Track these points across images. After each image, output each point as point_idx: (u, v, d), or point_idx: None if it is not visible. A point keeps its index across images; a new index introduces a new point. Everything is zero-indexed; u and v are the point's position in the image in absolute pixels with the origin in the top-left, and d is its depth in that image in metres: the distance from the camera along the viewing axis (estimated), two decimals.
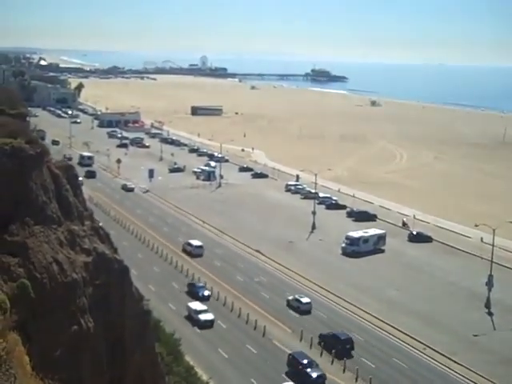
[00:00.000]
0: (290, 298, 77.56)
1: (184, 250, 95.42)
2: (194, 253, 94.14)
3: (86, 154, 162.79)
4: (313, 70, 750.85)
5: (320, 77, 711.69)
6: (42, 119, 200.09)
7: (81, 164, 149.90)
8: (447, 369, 62.92)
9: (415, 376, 60.97)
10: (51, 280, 26.40)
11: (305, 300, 76.54)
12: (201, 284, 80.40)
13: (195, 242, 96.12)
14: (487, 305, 78.49)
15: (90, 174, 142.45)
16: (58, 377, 14.67)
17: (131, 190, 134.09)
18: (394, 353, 65.90)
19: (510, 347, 67.62)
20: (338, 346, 64.19)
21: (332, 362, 62.60)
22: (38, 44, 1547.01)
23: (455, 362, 64.01)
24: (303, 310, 75.38)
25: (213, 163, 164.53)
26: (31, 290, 24.63)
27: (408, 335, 69.71)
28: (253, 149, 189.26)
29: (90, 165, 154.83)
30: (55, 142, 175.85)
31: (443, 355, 65.31)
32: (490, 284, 79.40)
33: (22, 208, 27.53)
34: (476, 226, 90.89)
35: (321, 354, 63.98)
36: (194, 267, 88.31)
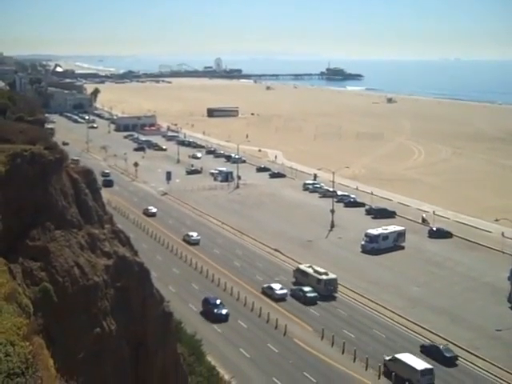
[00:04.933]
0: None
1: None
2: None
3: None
4: (328, 69, 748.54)
5: (335, 75, 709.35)
6: (59, 125, 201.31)
7: None
8: (470, 364, 62.59)
9: (438, 372, 60.61)
10: (73, 283, 26.66)
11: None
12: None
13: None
14: (510, 299, 77.94)
15: None
16: (83, 379, 14.79)
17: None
18: (416, 350, 65.58)
19: None
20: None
21: (354, 359, 62.51)
22: (53, 51, 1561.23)
23: (478, 357, 63.68)
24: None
25: (199, 154, 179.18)
26: (53, 294, 24.90)
27: (430, 331, 69.39)
28: (276, 157, 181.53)
29: None
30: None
31: (466, 350, 64.96)
32: None
33: (42, 213, 27.81)
34: (496, 220, 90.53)
35: (342, 352, 63.95)
36: (214, 268, 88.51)
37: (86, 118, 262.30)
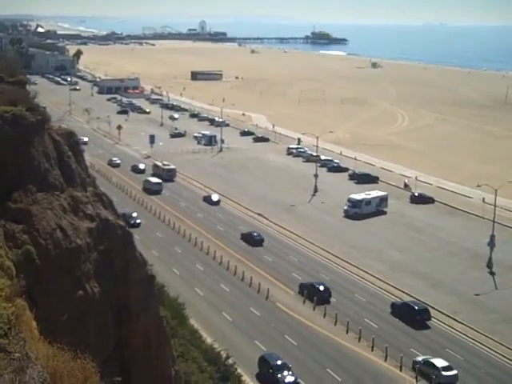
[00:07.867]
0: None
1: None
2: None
3: None
4: (313, 33, 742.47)
5: (320, 39, 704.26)
6: (41, 87, 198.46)
7: None
8: (450, 328, 63.58)
9: (418, 336, 61.64)
10: (55, 246, 26.57)
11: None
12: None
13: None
14: (489, 264, 78.92)
15: None
16: (66, 341, 14.85)
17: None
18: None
19: (511, 306, 68.25)
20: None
21: (335, 322, 63.25)
22: (35, 11, 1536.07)
23: (457, 321, 64.68)
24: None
25: (176, 115, 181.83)
26: (36, 257, 24.84)
27: (411, 296, 70.19)
28: (273, 126, 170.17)
29: None
30: None
31: (446, 315, 65.94)
32: (491, 244, 79.72)
33: (24, 175, 27.60)
34: (478, 186, 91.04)
35: (324, 316, 64.67)
36: (198, 231, 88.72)
37: (69, 79, 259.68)
